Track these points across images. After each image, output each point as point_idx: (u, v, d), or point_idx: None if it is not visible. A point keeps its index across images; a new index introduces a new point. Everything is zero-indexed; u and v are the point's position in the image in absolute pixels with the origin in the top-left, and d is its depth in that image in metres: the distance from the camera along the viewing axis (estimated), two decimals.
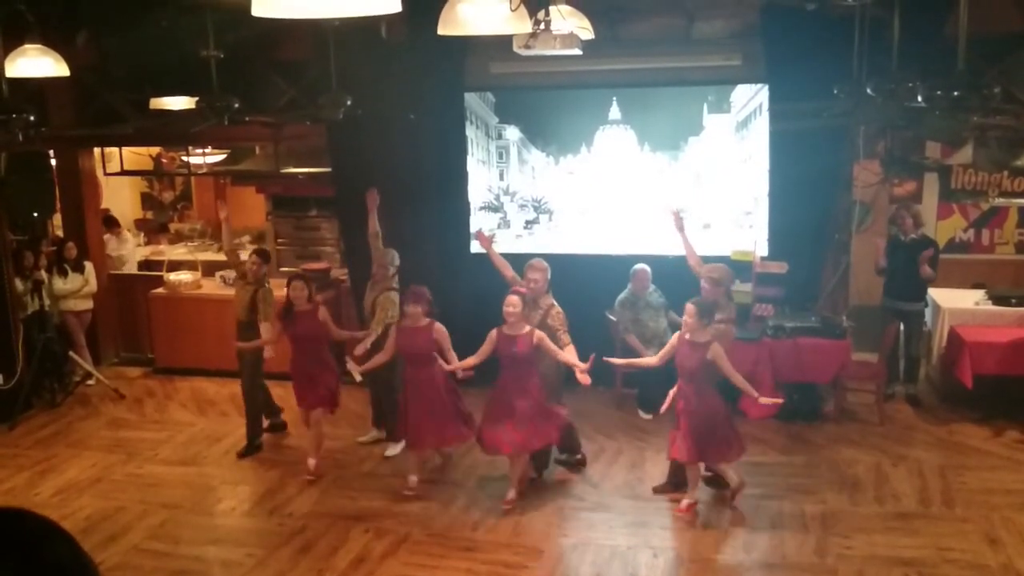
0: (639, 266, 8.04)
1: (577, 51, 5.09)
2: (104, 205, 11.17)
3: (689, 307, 6.17)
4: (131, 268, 11.16)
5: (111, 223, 11.25)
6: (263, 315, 7.47)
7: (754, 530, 6.14)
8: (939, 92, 3.78)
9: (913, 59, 5.75)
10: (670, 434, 6.38)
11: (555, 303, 6.80)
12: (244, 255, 11.35)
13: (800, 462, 7.25)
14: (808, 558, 5.75)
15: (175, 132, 8.75)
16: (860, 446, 7.50)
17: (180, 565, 5.89)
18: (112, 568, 5.82)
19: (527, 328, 6.29)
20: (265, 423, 7.95)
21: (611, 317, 8.16)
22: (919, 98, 3.91)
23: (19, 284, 8.92)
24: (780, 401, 6.63)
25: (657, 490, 6.66)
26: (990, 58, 6.85)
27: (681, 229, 6.91)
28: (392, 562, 5.81)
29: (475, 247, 8.96)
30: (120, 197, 12.49)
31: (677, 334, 6.32)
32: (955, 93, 3.72)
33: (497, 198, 8.98)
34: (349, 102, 6.61)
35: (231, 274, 9.93)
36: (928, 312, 8.89)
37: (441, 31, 4.10)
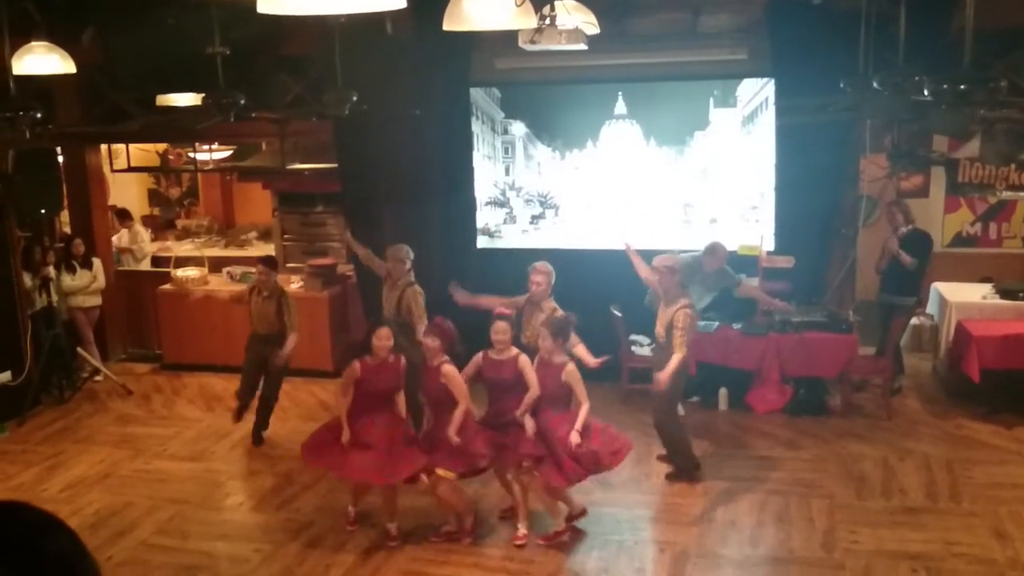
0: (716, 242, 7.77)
1: (582, 46, 5.10)
2: (111, 201, 11.21)
3: (542, 330, 5.97)
4: (146, 263, 11.21)
5: (124, 216, 11.30)
6: (290, 325, 7.51)
7: (761, 524, 6.14)
8: (946, 86, 3.77)
9: (919, 53, 5.74)
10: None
11: (557, 307, 6.82)
12: (249, 249, 11.44)
13: (807, 456, 7.25)
14: (815, 552, 5.76)
15: (181, 129, 8.76)
16: (867, 440, 7.49)
17: (188, 560, 5.92)
18: (121, 563, 5.85)
19: (513, 352, 6.01)
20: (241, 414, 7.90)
21: (616, 313, 8.15)
22: (925, 92, 3.90)
23: (27, 280, 8.95)
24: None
25: (662, 458, 6.72)
26: (997, 52, 6.83)
27: (634, 256, 7.05)
28: (399, 557, 5.82)
29: (481, 242, 9.00)
30: (127, 194, 12.52)
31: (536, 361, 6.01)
32: (962, 87, 3.72)
33: (503, 193, 8.99)
34: (355, 98, 6.61)
35: (238, 270, 9.97)
36: (935, 307, 8.88)
37: (446, 27, 4.10)
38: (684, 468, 6.79)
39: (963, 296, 8.57)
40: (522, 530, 5.96)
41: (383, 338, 5.93)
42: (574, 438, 5.73)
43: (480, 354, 6.08)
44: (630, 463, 7.07)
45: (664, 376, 6.40)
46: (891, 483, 6.72)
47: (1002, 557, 5.63)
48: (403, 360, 6.06)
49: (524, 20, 4.13)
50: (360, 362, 5.98)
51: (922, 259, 8.18)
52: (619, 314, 8.15)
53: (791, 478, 6.84)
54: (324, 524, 6.30)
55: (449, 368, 5.87)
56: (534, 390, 5.86)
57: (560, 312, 6.74)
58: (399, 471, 5.87)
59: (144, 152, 11.73)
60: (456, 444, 5.75)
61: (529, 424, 5.82)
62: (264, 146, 10.85)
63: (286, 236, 10.55)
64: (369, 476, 5.92)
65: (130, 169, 11.11)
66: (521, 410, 5.85)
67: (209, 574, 5.77)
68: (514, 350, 6.02)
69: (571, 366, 5.93)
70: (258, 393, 7.91)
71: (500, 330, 5.96)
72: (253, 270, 9.82)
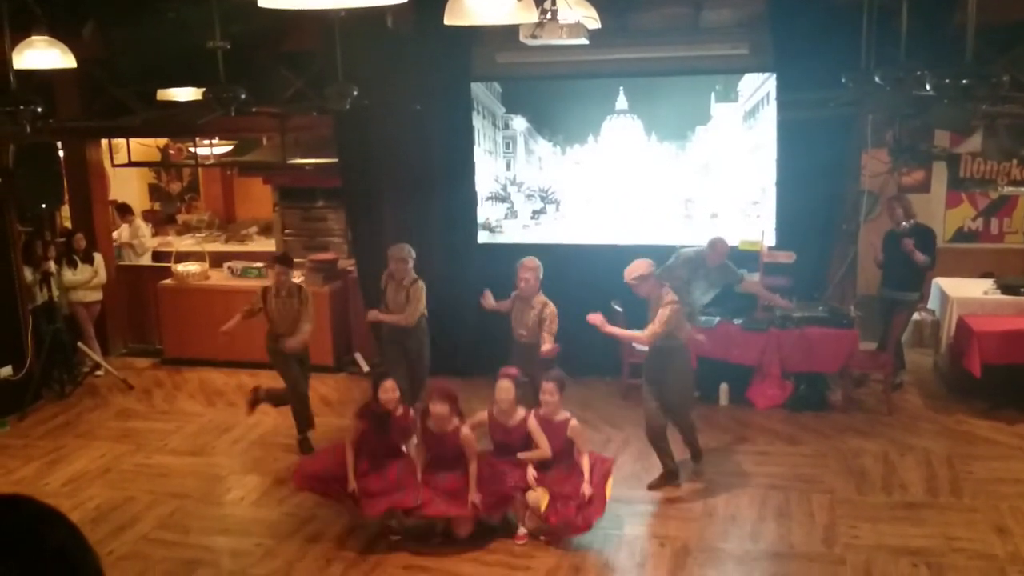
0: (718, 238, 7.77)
1: (584, 40, 5.08)
2: (112, 196, 11.21)
3: (548, 386, 5.94)
4: (147, 257, 11.21)
5: (124, 211, 11.29)
6: (307, 316, 7.41)
7: (761, 519, 6.15)
8: (948, 80, 3.77)
9: (921, 47, 5.74)
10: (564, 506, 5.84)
11: (548, 301, 6.82)
12: (250, 244, 11.45)
13: (807, 452, 7.25)
14: (815, 547, 5.76)
15: (182, 123, 8.77)
16: (868, 436, 7.49)
17: (190, 554, 5.92)
18: (122, 557, 5.86)
19: (520, 414, 6.00)
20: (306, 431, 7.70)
21: (617, 308, 8.14)
22: (927, 87, 3.89)
23: (28, 275, 8.95)
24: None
25: (652, 486, 6.65)
26: (999, 47, 6.81)
27: (608, 327, 6.67)
28: (400, 553, 5.83)
29: (482, 237, 8.98)
30: (128, 188, 12.52)
31: (532, 413, 6.03)
32: (964, 81, 3.71)
33: (504, 188, 8.97)
34: (355, 93, 6.61)
35: (239, 265, 9.97)
36: (936, 302, 8.88)
37: (447, 21, 4.10)
38: (668, 473, 6.66)
39: (964, 291, 8.56)
40: (522, 530, 5.96)
41: (388, 391, 5.92)
42: (586, 490, 5.79)
43: (486, 413, 6.10)
44: (631, 458, 7.09)
45: (619, 332, 6.54)
46: (892, 478, 6.72)
47: (1003, 552, 5.63)
48: (411, 412, 6.06)
49: (525, 15, 4.13)
50: (365, 417, 6.03)
51: (932, 256, 8.18)
52: (620, 309, 8.13)
53: (792, 473, 6.84)
54: (325, 519, 6.30)
55: (467, 433, 5.91)
56: (545, 452, 5.93)
57: (551, 306, 6.76)
58: (405, 500, 5.86)
59: (145, 147, 11.73)
60: (478, 500, 5.83)
61: (530, 472, 5.90)
62: (265, 141, 10.84)
63: (287, 231, 10.54)
64: (373, 509, 5.93)
65: (131, 164, 11.11)
66: (526, 457, 5.93)
67: (210, 568, 5.77)
68: (520, 412, 6.02)
69: (574, 422, 6.02)
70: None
71: (504, 389, 5.96)
72: (256, 265, 9.85)
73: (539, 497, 5.84)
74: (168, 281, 9.97)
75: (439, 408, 5.84)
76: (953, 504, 6.30)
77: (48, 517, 1.29)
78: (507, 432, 6.04)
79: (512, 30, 5.09)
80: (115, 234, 10.89)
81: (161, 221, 12.84)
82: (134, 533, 6.21)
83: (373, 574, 5.62)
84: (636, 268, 6.45)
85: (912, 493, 6.48)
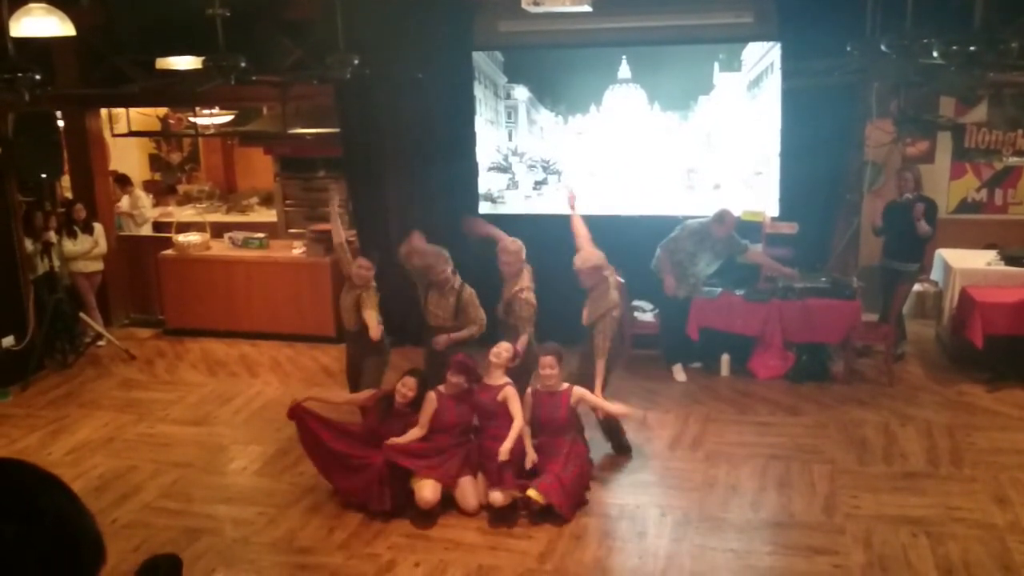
0: (726, 210, 7.87)
1: (587, 8, 5.04)
2: (112, 167, 11.17)
3: (547, 359, 5.96)
4: (148, 228, 11.19)
5: (124, 182, 11.26)
6: (371, 306, 6.76)
7: (762, 489, 6.16)
8: (955, 47, 3.72)
9: (928, 15, 5.66)
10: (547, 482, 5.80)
11: (527, 287, 6.67)
12: (251, 215, 11.43)
13: (809, 422, 7.26)
14: (816, 517, 5.78)
15: (182, 92, 8.69)
16: (869, 406, 7.50)
17: (192, 523, 5.95)
18: (125, 526, 5.89)
19: (502, 381, 6.07)
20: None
21: (618, 279, 8.11)
22: (935, 54, 3.84)
23: (29, 245, 8.93)
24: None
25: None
26: (1008, 13, 6.73)
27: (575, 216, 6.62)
28: (401, 522, 5.85)
29: (484, 207, 8.95)
30: (128, 158, 12.48)
31: (529, 391, 6.11)
32: (972, 48, 3.67)
33: (506, 158, 8.92)
34: (356, 62, 6.56)
35: (240, 235, 9.95)
36: (939, 273, 8.86)
37: None
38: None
39: (968, 262, 8.54)
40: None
41: (405, 387, 6.09)
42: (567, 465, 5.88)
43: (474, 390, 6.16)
44: (631, 429, 7.09)
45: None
46: (892, 449, 6.73)
47: (1002, 522, 5.65)
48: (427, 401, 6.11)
49: None
50: (381, 409, 6.18)
51: (933, 226, 8.16)
52: (621, 280, 8.11)
53: (793, 443, 6.85)
54: (327, 488, 6.30)
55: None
56: (517, 420, 5.95)
57: (527, 296, 6.65)
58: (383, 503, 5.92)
59: (145, 117, 11.67)
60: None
61: (530, 455, 5.97)
62: (265, 111, 10.79)
63: (288, 201, 10.52)
64: (362, 499, 6.00)
65: (130, 134, 11.06)
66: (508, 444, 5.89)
67: (213, 537, 5.80)
68: (503, 378, 6.09)
69: (577, 388, 6.09)
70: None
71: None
72: (258, 235, 9.82)
73: (536, 496, 5.78)
74: (169, 251, 9.95)
75: (456, 379, 6.02)
76: (953, 474, 6.31)
77: (44, 481, 1.28)
78: (487, 391, 6.11)
79: None
80: (116, 204, 10.86)
81: (162, 191, 12.81)
82: (137, 502, 6.24)
83: (375, 542, 5.65)
84: (591, 258, 6.42)
85: (913, 463, 6.49)
